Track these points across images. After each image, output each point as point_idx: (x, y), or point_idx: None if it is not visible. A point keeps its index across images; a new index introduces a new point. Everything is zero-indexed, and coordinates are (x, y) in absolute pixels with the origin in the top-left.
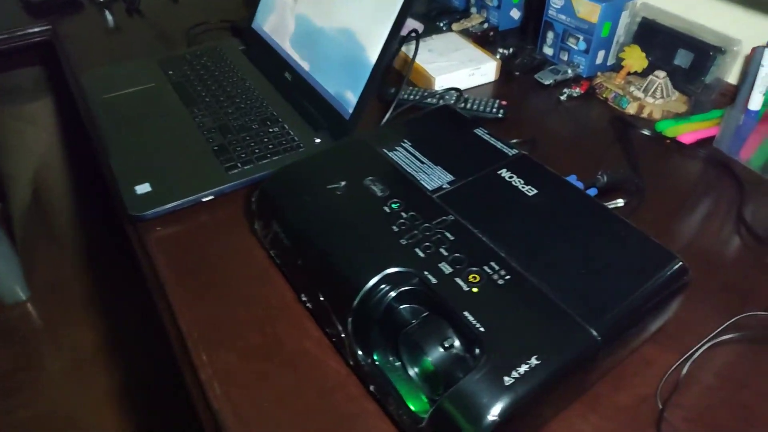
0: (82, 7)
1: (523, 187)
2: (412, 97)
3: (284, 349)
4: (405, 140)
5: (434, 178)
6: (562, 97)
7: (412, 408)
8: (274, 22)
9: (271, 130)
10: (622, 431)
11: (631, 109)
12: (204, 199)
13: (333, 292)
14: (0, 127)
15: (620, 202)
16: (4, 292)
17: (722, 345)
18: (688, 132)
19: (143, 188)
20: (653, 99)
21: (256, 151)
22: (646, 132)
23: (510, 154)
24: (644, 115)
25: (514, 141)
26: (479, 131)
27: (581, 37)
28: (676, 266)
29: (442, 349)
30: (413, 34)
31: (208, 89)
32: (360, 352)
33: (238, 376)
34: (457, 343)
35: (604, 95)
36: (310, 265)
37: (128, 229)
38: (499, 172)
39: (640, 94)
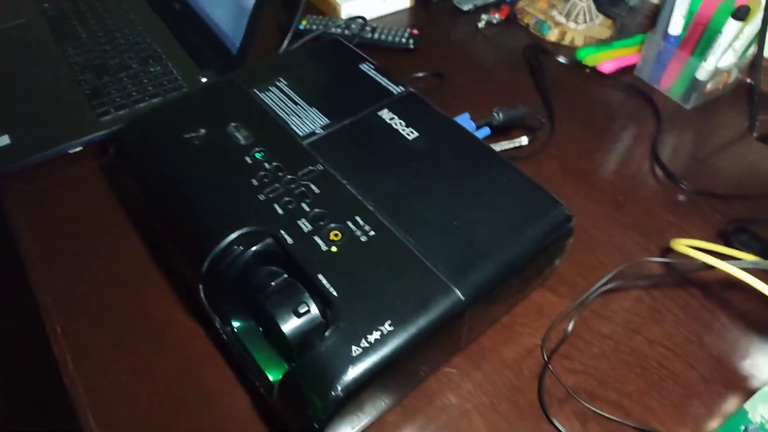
0: None
1: (403, 130)
2: (314, 27)
3: (149, 317)
4: (280, 79)
5: (307, 121)
6: (480, 24)
7: (270, 378)
8: None
9: (152, 69)
10: (504, 388)
11: (552, 35)
12: (71, 150)
13: (184, 255)
14: None
15: (524, 140)
16: None
17: (614, 292)
18: (609, 60)
19: (2, 141)
20: (575, 24)
21: (134, 93)
22: (563, 60)
23: (395, 92)
24: (566, 42)
25: (419, 74)
26: (365, 66)
27: None
28: (559, 213)
29: (295, 317)
30: None
31: (86, 25)
32: (217, 319)
33: (95, 348)
34: (314, 309)
35: (525, 21)
36: (163, 226)
37: None
38: (379, 113)
39: (561, 19)
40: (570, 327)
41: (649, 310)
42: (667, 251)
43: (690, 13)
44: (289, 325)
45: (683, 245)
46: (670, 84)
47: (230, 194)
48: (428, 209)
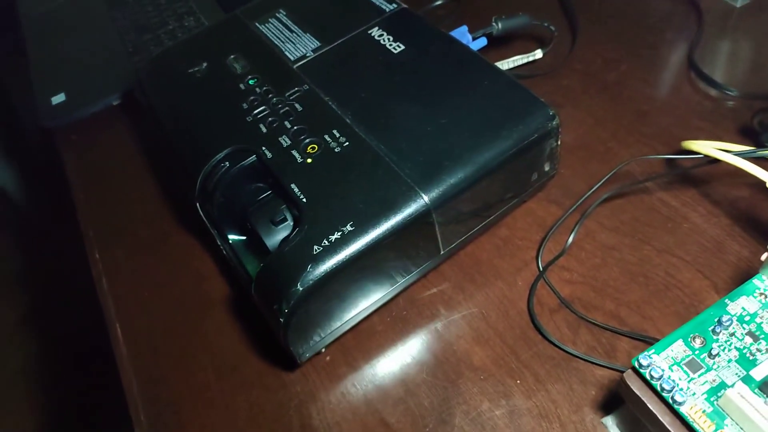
0: None
1: (390, 45)
2: None
3: (169, 242)
4: (281, 10)
5: (300, 46)
6: None
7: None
8: None
9: (186, 23)
10: (496, 299)
11: None
12: (114, 103)
13: (182, 178)
14: None
15: (538, 53)
16: None
17: (624, 200)
18: None
19: (59, 98)
20: None
21: (166, 43)
22: None
23: (387, 9)
24: None
25: (438, 2)
26: None
27: None
28: (539, 112)
29: (273, 225)
30: None
31: None
32: (215, 233)
33: (123, 270)
34: (290, 219)
35: None
36: (169, 155)
37: (45, 140)
38: (369, 32)
39: None
40: (571, 238)
41: (662, 218)
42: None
43: None
44: (269, 233)
45: (694, 144)
46: None
47: (222, 118)
48: (404, 117)
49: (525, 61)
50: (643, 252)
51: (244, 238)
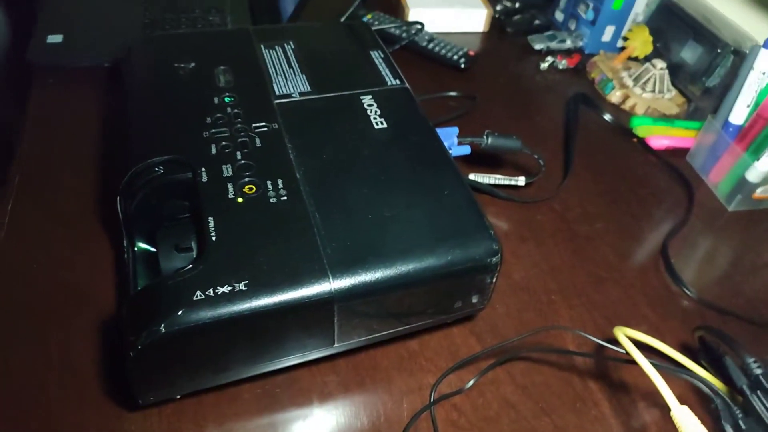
0: None
1: (374, 118)
2: (376, 21)
3: (84, 224)
4: (291, 42)
5: (290, 84)
6: (543, 65)
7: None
8: None
9: (211, 17)
10: (375, 412)
11: (614, 97)
12: (106, 65)
13: (119, 164)
14: None
15: (521, 180)
16: None
17: (544, 364)
18: (662, 136)
19: (54, 38)
20: (641, 91)
21: (182, 27)
22: (608, 118)
23: (389, 83)
24: (626, 106)
25: (453, 93)
26: (375, 53)
27: (591, 5)
28: (483, 243)
29: (175, 251)
30: None
31: None
32: (124, 233)
33: (28, 231)
34: (195, 251)
35: (592, 75)
36: (123, 131)
37: (24, 73)
38: (361, 98)
39: (629, 82)
40: (473, 381)
41: (573, 396)
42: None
43: (756, 104)
44: (168, 256)
45: (624, 333)
46: (719, 179)
47: (181, 123)
48: (352, 195)
49: (506, 183)
50: (540, 422)
51: (151, 249)
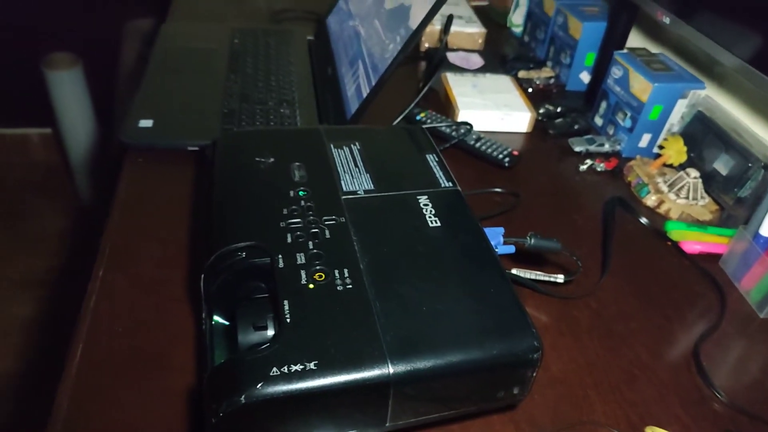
0: None
1: (429, 217)
2: (429, 120)
3: (165, 289)
4: (356, 143)
5: (356, 182)
6: (582, 167)
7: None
8: (338, 22)
9: (282, 110)
10: None
11: (650, 201)
12: (189, 148)
13: (203, 245)
14: (124, 60)
15: (560, 278)
16: (86, 198)
17: None
18: (696, 241)
19: (146, 123)
20: (676, 197)
21: (257, 123)
22: (643, 221)
23: (443, 184)
24: (661, 210)
25: (498, 190)
26: (431, 157)
27: (629, 114)
28: (526, 340)
29: (252, 329)
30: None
31: (256, 63)
32: (205, 308)
33: (116, 297)
34: (271, 330)
35: (629, 179)
36: (205, 219)
37: (118, 152)
38: (418, 198)
39: (664, 188)
40: None
41: None
42: None
43: None
44: (246, 332)
45: None
46: (751, 286)
47: (261, 213)
48: (409, 288)
49: (546, 279)
50: None
51: (226, 323)
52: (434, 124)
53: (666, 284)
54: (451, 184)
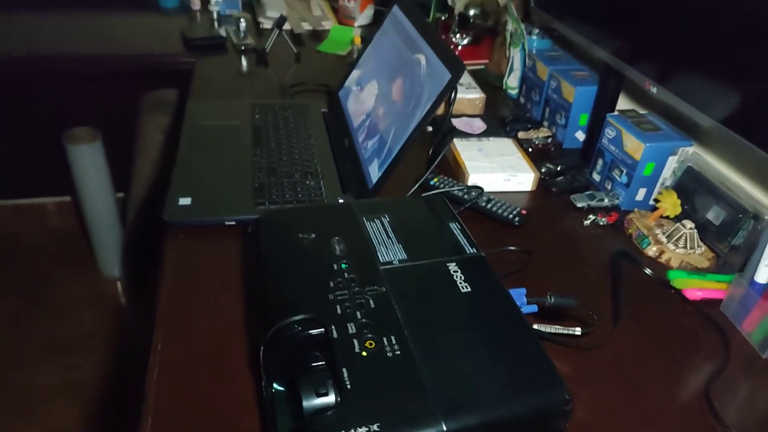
0: (225, 51)
1: (460, 283)
2: (441, 185)
3: (223, 360)
4: (386, 215)
5: (391, 252)
6: (586, 222)
7: None
8: (350, 95)
9: (308, 182)
10: None
11: (651, 251)
12: (227, 223)
13: (260, 321)
14: (142, 132)
15: (577, 330)
16: (104, 266)
17: None
18: (697, 288)
19: (185, 201)
20: (674, 247)
21: (286, 196)
22: (648, 272)
23: (468, 251)
24: (662, 260)
25: (511, 248)
26: (454, 225)
27: (624, 171)
28: (557, 393)
29: (315, 395)
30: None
31: (278, 137)
32: (264, 377)
33: (176, 369)
34: (332, 396)
35: (629, 231)
36: (260, 294)
37: (161, 230)
38: (447, 265)
39: (663, 239)
40: None
41: None
42: None
43: None
44: (310, 399)
45: None
46: (752, 329)
47: (310, 287)
48: (450, 351)
49: (565, 333)
50: None
51: (282, 389)
52: (448, 189)
53: (673, 330)
54: (475, 251)
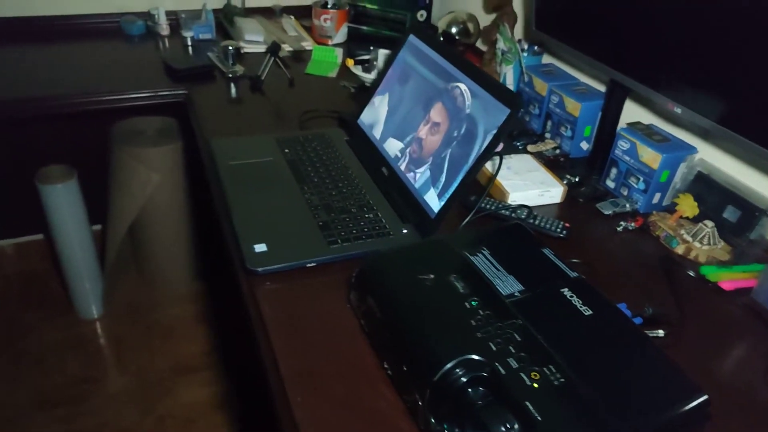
0: (214, 79)
1: (581, 307)
2: (488, 206)
3: (362, 405)
4: (484, 248)
5: (507, 285)
6: (619, 228)
7: None
8: (377, 124)
9: (366, 215)
10: None
11: (680, 249)
12: (308, 265)
13: (417, 365)
14: (116, 162)
15: (660, 333)
16: (81, 307)
17: None
18: (729, 280)
19: (260, 247)
20: (700, 244)
21: (353, 231)
22: (691, 273)
23: (571, 275)
24: (690, 257)
25: (574, 261)
26: (546, 251)
27: (641, 178)
28: (698, 398)
29: (504, 430)
30: (497, 157)
31: (316, 171)
32: (433, 420)
33: (326, 420)
34: (516, 427)
35: (656, 233)
36: (399, 339)
37: (241, 279)
38: (561, 290)
39: (689, 238)
40: None
41: None
42: None
43: None
44: None
45: None
46: None
47: (456, 327)
48: (602, 369)
49: (653, 335)
50: None
51: (450, 428)
52: (496, 209)
53: (723, 319)
54: (576, 274)
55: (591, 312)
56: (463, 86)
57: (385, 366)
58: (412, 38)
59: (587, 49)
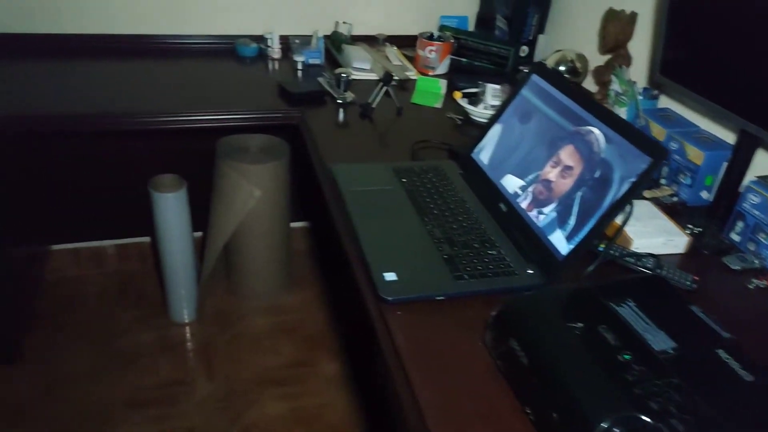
0: (324, 104)
1: (739, 370)
2: (613, 252)
3: None
4: (629, 300)
5: (659, 341)
6: (750, 286)
7: None
8: (494, 159)
9: (490, 252)
10: None
11: None
12: (436, 298)
13: (571, 417)
14: (220, 175)
15: None
16: (175, 311)
17: None
18: None
19: (390, 276)
20: None
21: (478, 267)
22: None
23: (723, 336)
24: None
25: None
26: (695, 308)
27: None
28: None
29: None
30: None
31: (435, 202)
32: None
33: None
34: None
35: None
36: (549, 386)
37: (370, 306)
38: (717, 351)
39: None
40: None
41: None
42: None
43: None
44: None
45: None
46: None
47: (612, 381)
48: None
49: None
50: None
51: None
52: (620, 256)
53: None
54: (729, 335)
55: (752, 378)
56: (596, 131)
57: (528, 411)
58: (535, 77)
59: (717, 97)
